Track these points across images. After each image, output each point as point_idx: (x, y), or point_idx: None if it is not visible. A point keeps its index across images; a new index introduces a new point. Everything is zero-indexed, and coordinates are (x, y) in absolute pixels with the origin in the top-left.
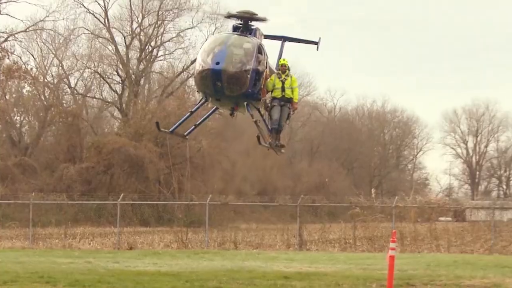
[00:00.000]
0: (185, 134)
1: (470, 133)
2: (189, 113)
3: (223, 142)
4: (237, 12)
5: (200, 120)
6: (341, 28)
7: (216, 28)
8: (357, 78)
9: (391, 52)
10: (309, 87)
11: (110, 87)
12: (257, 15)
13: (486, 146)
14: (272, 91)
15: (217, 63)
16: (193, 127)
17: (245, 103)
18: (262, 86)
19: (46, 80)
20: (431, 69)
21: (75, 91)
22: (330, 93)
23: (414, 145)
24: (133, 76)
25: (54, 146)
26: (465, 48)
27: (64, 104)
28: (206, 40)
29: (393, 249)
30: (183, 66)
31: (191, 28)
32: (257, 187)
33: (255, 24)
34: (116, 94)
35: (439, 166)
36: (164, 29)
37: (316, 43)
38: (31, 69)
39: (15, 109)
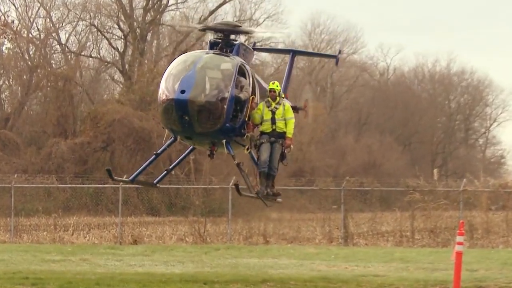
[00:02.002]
0: (154, 182)
1: None
2: (153, 156)
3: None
4: (214, 24)
5: (174, 163)
6: None
7: None
8: (415, 31)
9: None
10: (356, 43)
11: (110, 44)
12: (240, 26)
13: None
14: (260, 124)
15: (183, 92)
16: (165, 172)
17: (224, 141)
18: (246, 118)
19: (30, 35)
20: (508, 19)
21: (66, 49)
22: (382, 50)
23: (486, 115)
24: (138, 30)
25: (41, 116)
26: None
27: (53, 65)
28: (174, 60)
29: (460, 243)
30: (200, 18)
31: None
32: (291, 167)
33: (239, 38)
34: (117, 53)
35: None
36: None
37: (334, 57)
38: (12, 21)
39: None
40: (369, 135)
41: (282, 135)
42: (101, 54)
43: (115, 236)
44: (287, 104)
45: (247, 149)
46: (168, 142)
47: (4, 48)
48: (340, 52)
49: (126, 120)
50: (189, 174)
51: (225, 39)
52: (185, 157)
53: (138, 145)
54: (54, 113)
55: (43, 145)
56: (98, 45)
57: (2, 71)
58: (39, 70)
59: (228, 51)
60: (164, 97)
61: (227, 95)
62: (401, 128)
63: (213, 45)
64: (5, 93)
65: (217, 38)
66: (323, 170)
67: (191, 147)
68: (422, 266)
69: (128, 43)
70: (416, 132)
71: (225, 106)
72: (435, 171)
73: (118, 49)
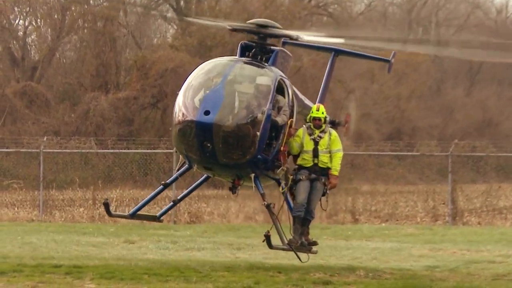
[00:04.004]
0: (157, 215)
1: None
2: (161, 187)
3: None
4: (248, 23)
5: (184, 193)
6: None
7: None
8: None
9: None
10: None
11: None
12: (280, 28)
13: None
14: (298, 155)
15: (207, 113)
16: (171, 204)
17: (252, 175)
18: (281, 148)
19: None
20: None
21: None
22: None
23: None
24: None
25: (76, 65)
26: None
27: (91, 1)
28: (196, 68)
29: None
30: None
31: None
32: (386, 127)
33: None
34: None
35: None
36: None
37: (387, 61)
38: None
39: (16, 9)
40: (483, 87)
41: (326, 171)
42: None
43: (169, 213)
44: (334, 133)
45: (282, 188)
46: (181, 170)
47: None
48: (394, 55)
49: (182, 70)
50: None
51: (260, 43)
52: (197, 186)
53: None
54: (92, 61)
55: (79, 100)
56: None
57: (28, 9)
58: (73, 8)
59: (264, 58)
60: (181, 116)
61: (261, 118)
62: None
63: (244, 50)
64: (32, 36)
65: (250, 42)
66: (426, 132)
67: (205, 175)
68: None
69: None
70: None
71: (259, 133)
72: None
73: None
